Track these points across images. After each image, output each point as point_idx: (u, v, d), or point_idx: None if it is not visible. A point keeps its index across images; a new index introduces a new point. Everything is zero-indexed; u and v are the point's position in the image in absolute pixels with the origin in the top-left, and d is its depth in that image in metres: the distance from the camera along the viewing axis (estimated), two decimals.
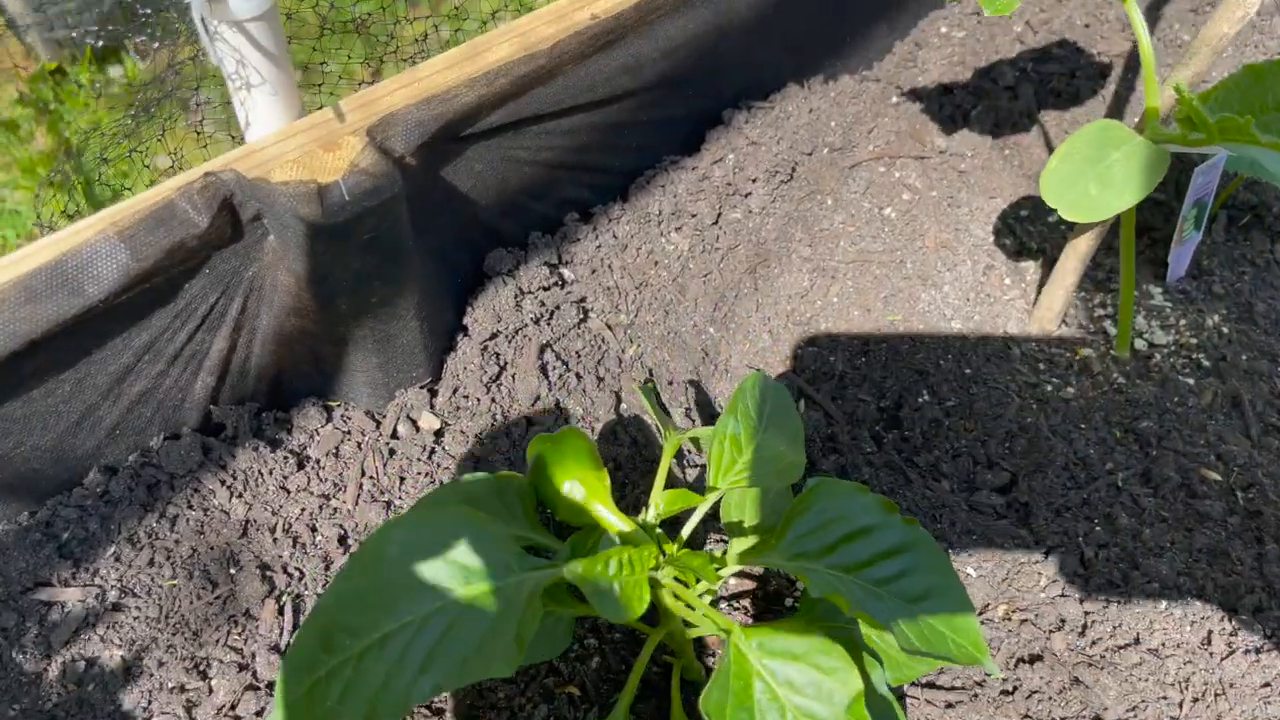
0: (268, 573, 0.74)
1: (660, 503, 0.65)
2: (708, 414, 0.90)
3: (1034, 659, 0.76)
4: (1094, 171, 0.74)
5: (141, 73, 1.54)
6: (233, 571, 0.74)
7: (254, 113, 0.72)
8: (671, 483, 0.85)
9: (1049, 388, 0.90)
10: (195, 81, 0.78)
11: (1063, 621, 0.77)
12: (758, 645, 0.55)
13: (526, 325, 0.87)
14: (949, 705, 0.73)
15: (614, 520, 0.63)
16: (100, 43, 1.51)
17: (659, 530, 0.66)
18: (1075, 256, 0.89)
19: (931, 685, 0.73)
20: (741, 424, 0.69)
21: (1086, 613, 0.77)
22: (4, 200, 1.42)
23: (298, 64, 1.31)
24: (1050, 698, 0.73)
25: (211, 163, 0.69)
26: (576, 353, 0.88)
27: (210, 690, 0.69)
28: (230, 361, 0.77)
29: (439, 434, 0.83)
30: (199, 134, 0.82)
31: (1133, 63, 1.14)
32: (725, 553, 0.68)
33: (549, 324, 0.88)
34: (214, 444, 0.78)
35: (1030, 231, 1.00)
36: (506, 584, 0.56)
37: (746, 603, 0.78)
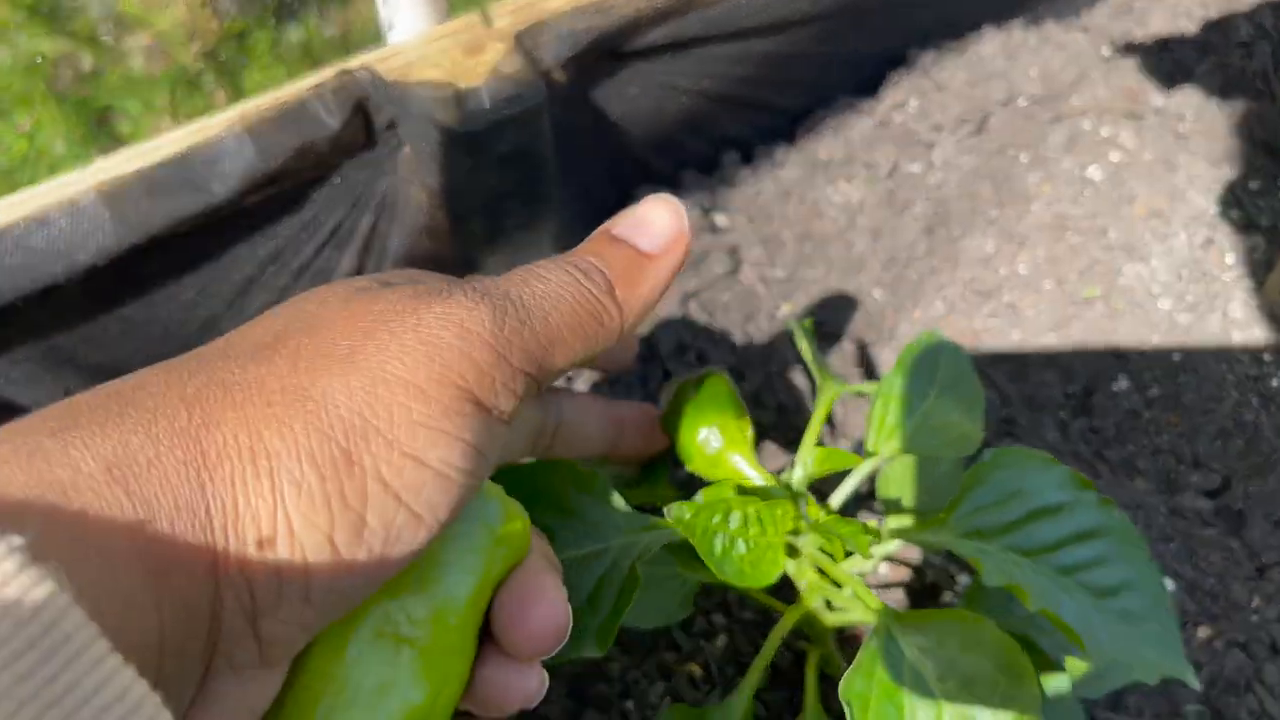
0: None
1: (810, 461, 0.56)
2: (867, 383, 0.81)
3: (1241, 690, 0.64)
4: None
5: (321, 35, 1.55)
6: None
7: (396, 13, 0.67)
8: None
9: (1275, 382, 0.77)
10: None
11: (1278, 649, 0.65)
12: (913, 631, 0.46)
13: None
14: None
15: (751, 473, 0.55)
16: None
17: (807, 495, 0.58)
18: None
19: (1115, 708, 0.62)
20: (909, 384, 0.60)
21: None
22: None
23: None
24: None
25: (348, 62, 0.65)
26: (724, 305, 0.80)
27: None
28: None
29: (571, 378, 0.76)
30: (346, 47, 0.79)
31: None
32: (881, 525, 0.59)
33: (696, 272, 0.81)
34: None
35: (1260, 206, 0.87)
36: (612, 547, 0.49)
37: (899, 593, 0.68)
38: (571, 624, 0.40)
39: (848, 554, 0.54)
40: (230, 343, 0.35)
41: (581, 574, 0.48)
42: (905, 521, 0.60)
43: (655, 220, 0.42)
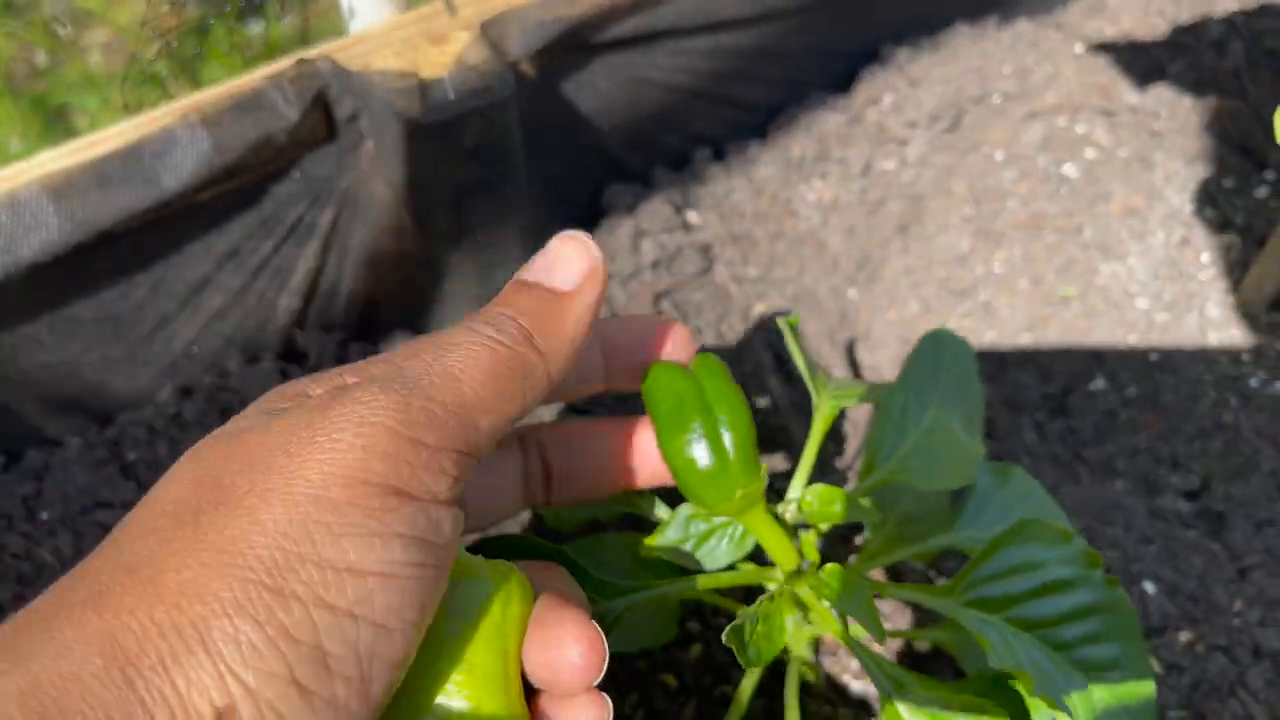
0: None
1: (812, 500, 0.50)
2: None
3: (1225, 695, 0.62)
4: None
5: (283, 29, 1.52)
6: None
7: (358, 1, 0.65)
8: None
9: (1253, 382, 0.76)
10: None
11: (1260, 653, 0.64)
12: (918, 701, 0.45)
13: (643, 270, 0.78)
14: None
15: (779, 553, 0.50)
16: None
17: (813, 551, 0.54)
18: None
19: None
20: (911, 396, 0.57)
21: None
22: None
23: None
24: None
25: (307, 51, 0.62)
26: (697, 305, 0.79)
27: None
28: (318, 283, 0.71)
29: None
30: (307, 40, 0.76)
31: None
32: (868, 554, 0.57)
33: (668, 270, 0.79)
34: (295, 372, 0.71)
35: (1235, 205, 0.86)
36: (616, 606, 0.47)
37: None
38: (604, 637, 0.38)
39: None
40: (129, 526, 0.32)
41: None
42: (884, 550, 0.57)
43: (565, 257, 0.40)
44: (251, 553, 0.29)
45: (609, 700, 0.38)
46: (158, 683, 0.27)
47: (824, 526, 0.55)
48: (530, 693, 0.40)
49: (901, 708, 0.44)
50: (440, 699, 0.36)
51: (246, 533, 0.30)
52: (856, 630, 0.53)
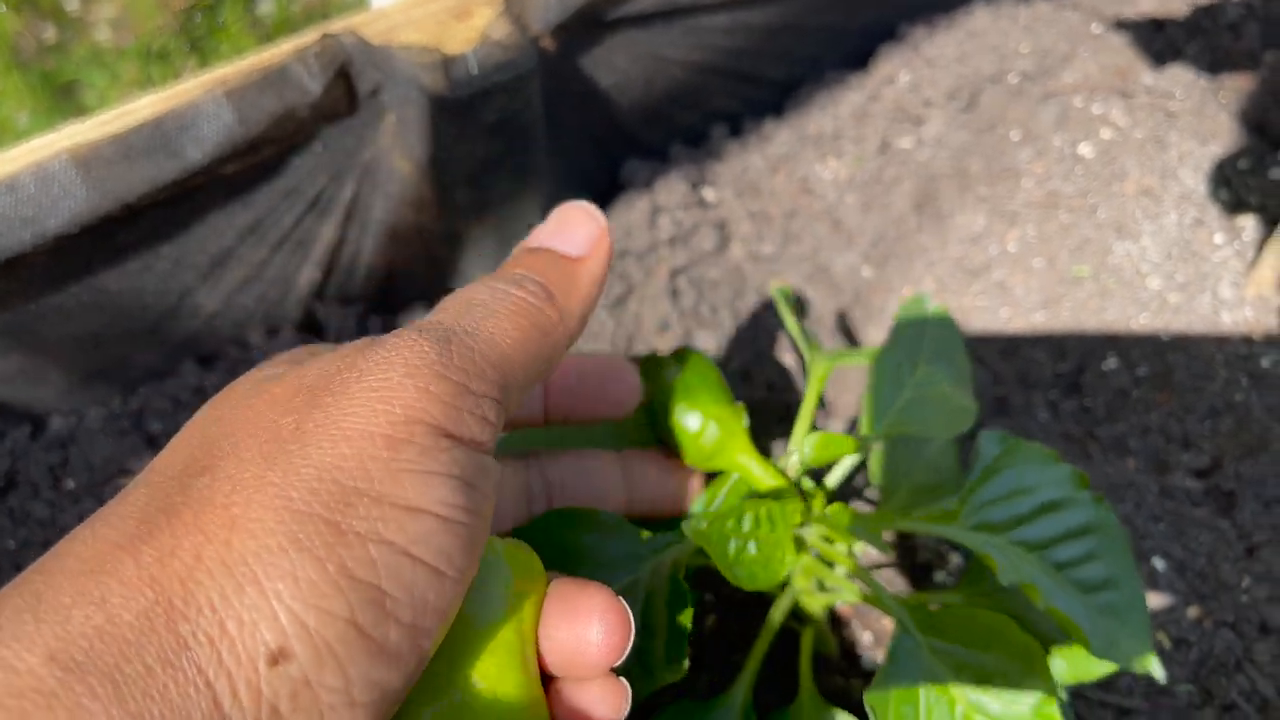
0: None
1: (808, 448, 0.52)
2: None
3: (1231, 670, 0.63)
4: None
5: (294, 8, 1.52)
6: None
7: None
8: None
9: (1265, 362, 0.77)
10: None
11: (1267, 629, 0.65)
12: (931, 629, 0.46)
13: (659, 246, 0.79)
14: (1123, 713, 0.61)
15: (758, 471, 0.52)
16: None
17: (809, 484, 0.55)
18: None
19: (1107, 688, 0.62)
20: (898, 355, 0.59)
21: None
22: None
23: None
24: (1249, 715, 0.61)
25: (331, 25, 0.63)
26: (713, 281, 0.79)
27: None
28: (338, 255, 0.71)
29: None
30: (325, 14, 0.76)
31: None
32: (880, 511, 0.58)
33: (684, 247, 0.79)
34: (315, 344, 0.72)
35: (1249, 185, 0.86)
36: (641, 577, 0.46)
37: (890, 574, 0.68)
38: (630, 613, 0.36)
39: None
40: (156, 472, 0.30)
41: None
42: (901, 504, 0.59)
43: (574, 224, 0.40)
44: (305, 486, 0.27)
45: (628, 687, 0.36)
46: (205, 625, 0.25)
47: (830, 484, 0.56)
48: (545, 680, 0.37)
49: (923, 639, 0.45)
50: (458, 673, 0.34)
51: (297, 467, 0.27)
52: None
